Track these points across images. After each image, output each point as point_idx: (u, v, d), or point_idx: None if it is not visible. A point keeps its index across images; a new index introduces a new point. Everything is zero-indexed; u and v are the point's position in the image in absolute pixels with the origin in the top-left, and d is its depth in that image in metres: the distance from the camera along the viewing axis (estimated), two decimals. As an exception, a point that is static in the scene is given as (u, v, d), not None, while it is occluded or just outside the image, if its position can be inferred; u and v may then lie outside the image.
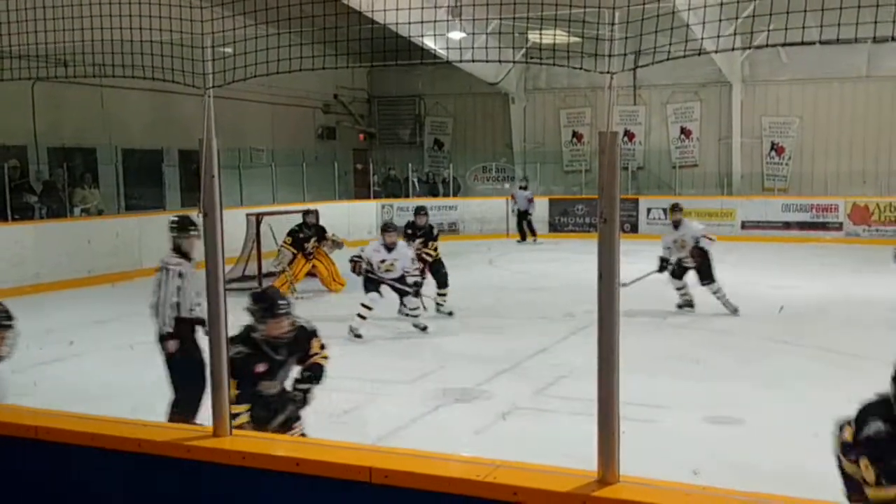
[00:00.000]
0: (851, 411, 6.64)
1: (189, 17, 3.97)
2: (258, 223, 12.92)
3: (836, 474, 5.39)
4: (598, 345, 4.07)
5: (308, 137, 23.25)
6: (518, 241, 20.13)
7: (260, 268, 12.88)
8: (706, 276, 11.01)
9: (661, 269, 11.16)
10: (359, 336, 9.44)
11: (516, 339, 9.18)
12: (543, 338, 9.21)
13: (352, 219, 17.85)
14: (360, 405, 6.73)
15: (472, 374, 7.65)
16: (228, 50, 3.92)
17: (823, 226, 19.77)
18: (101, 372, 7.94)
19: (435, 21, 18.83)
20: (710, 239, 11.14)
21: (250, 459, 3.43)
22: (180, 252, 6.42)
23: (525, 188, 20.77)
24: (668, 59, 4.40)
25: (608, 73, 3.92)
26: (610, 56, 3.81)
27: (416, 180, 23.00)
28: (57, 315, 10.88)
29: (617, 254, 4.06)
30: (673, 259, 11.07)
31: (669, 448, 5.78)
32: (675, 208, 11.48)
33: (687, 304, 11.26)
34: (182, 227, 6.45)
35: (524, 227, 20.40)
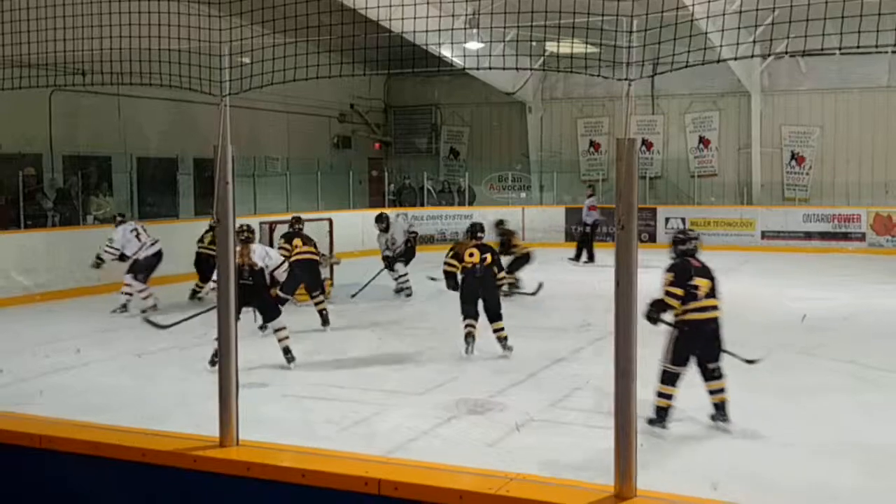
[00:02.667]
0: (874, 425, 6.51)
1: (207, 26, 3.95)
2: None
3: (860, 489, 5.25)
4: (615, 355, 3.96)
5: (323, 146, 23.25)
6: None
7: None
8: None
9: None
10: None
11: (531, 350, 9.04)
12: (559, 348, 9.07)
13: (366, 227, 17.69)
14: (369, 416, 6.62)
15: (486, 386, 7.53)
16: (245, 59, 3.89)
17: (845, 236, 19.52)
18: (108, 381, 7.88)
19: (452, 29, 18.74)
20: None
21: (256, 470, 3.35)
22: None
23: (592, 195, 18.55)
24: (686, 67, 4.30)
25: (626, 80, 3.83)
26: (628, 64, 3.72)
27: (431, 189, 22.93)
28: (65, 323, 10.85)
29: (635, 262, 3.96)
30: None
31: (688, 462, 5.65)
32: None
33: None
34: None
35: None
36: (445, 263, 9.16)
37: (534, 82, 23.70)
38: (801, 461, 5.73)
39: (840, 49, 3.51)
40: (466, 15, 18.50)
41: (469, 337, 8.69)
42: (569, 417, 6.69)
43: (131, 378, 8.02)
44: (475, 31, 19.52)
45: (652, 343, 8.86)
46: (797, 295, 13.07)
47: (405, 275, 13.40)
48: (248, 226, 9.06)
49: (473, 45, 20.23)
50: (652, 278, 14.31)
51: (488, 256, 9.11)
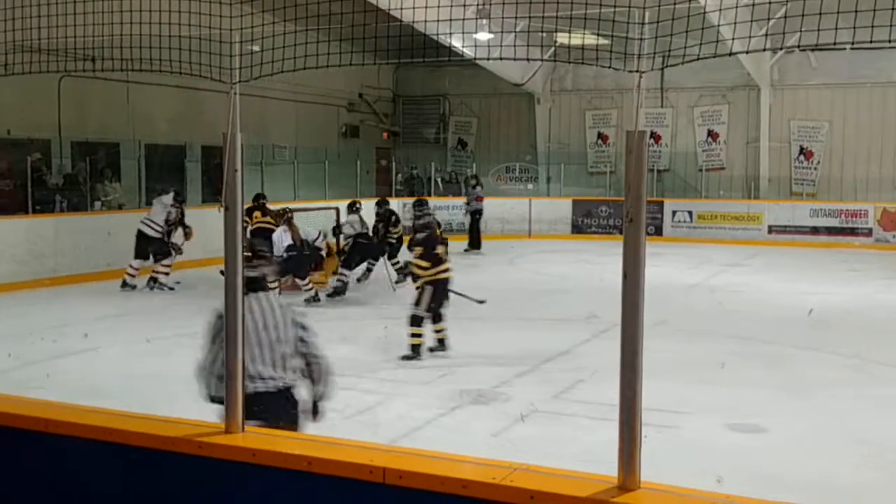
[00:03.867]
0: (879, 420, 6.50)
1: (217, 13, 3.96)
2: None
3: (865, 483, 5.25)
4: (621, 347, 3.96)
5: (331, 135, 23.25)
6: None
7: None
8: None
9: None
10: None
11: (536, 341, 9.06)
12: (564, 340, 9.08)
13: (372, 216, 17.70)
14: (374, 405, 6.64)
15: (491, 376, 7.54)
16: (255, 47, 3.90)
17: (852, 231, 19.47)
18: (115, 366, 7.92)
19: (463, 20, 18.67)
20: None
21: (261, 457, 3.36)
22: None
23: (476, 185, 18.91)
24: (697, 60, 4.29)
25: (637, 72, 3.82)
26: (639, 56, 3.72)
27: (438, 179, 22.93)
28: (74, 308, 10.90)
29: (643, 254, 3.94)
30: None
31: (692, 455, 5.66)
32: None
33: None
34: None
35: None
36: (420, 268, 8.57)
37: (543, 74, 23.63)
38: (806, 455, 5.74)
39: (853, 44, 3.49)
40: (476, 5, 18.45)
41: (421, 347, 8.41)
42: (573, 409, 6.70)
43: (138, 363, 8.05)
44: (485, 21, 19.48)
45: (656, 336, 8.86)
46: (804, 289, 13.06)
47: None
48: (286, 208, 11.36)
49: (483, 36, 20.20)
50: (660, 271, 14.36)
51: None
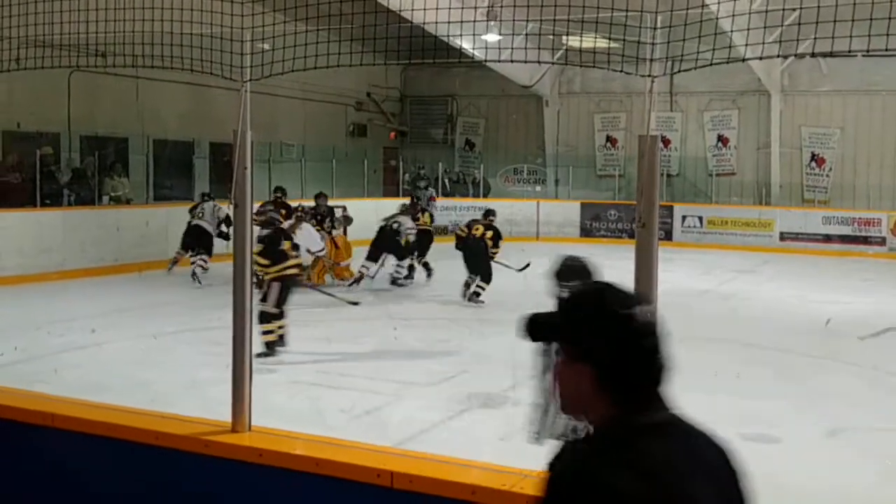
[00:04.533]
0: (888, 428, 6.42)
1: (229, 11, 3.94)
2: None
3: (879, 495, 5.18)
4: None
5: (339, 134, 23.24)
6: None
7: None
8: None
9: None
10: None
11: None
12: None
13: (379, 215, 17.72)
14: (381, 406, 6.59)
15: (500, 379, 7.45)
16: (266, 46, 3.89)
17: (865, 240, 19.31)
18: (122, 362, 7.88)
19: (474, 21, 18.72)
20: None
21: (268, 457, 3.32)
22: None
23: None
24: (709, 65, 4.24)
25: (649, 76, 3.77)
26: (651, 60, 3.67)
27: (446, 180, 22.89)
28: (81, 303, 10.87)
29: (656, 258, 3.90)
30: None
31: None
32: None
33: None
34: None
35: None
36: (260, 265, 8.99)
37: (551, 76, 23.59)
38: (820, 468, 5.67)
39: (868, 50, 3.44)
40: (485, 7, 18.44)
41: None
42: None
43: (145, 359, 8.02)
44: (493, 23, 19.44)
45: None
46: (818, 298, 12.97)
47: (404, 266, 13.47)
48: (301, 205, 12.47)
49: (491, 38, 20.16)
50: (670, 276, 14.23)
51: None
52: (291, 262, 8.55)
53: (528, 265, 11.68)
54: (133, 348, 8.49)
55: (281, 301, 8.25)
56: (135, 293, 11.70)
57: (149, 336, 8.90)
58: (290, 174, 18.99)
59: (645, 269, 4.15)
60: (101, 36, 4.15)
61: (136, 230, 13.12)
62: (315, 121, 22.06)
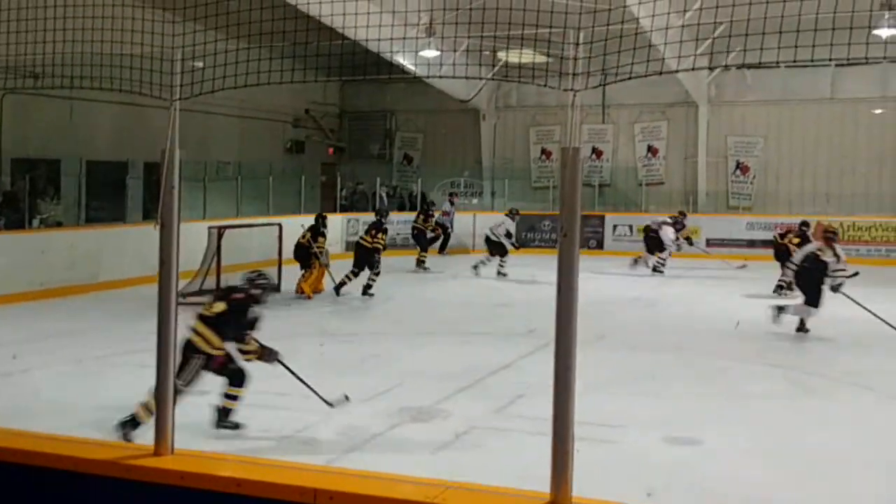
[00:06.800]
0: (812, 431, 6.67)
1: (160, 31, 3.96)
2: (220, 237, 12.77)
3: (798, 496, 5.38)
4: (554, 362, 4.02)
5: (276, 151, 23.13)
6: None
7: (219, 282, 12.75)
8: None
9: None
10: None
11: (478, 356, 9.10)
12: (506, 354, 9.14)
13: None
14: (311, 425, 6.58)
15: (431, 392, 7.55)
16: (199, 63, 3.90)
17: (787, 244, 19.92)
18: (47, 388, 7.73)
19: (417, 39, 18.89)
20: None
21: (189, 479, 3.34)
22: None
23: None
24: (629, 79, 4.40)
25: (571, 90, 3.90)
26: (574, 75, 3.80)
27: (383, 195, 22.92)
28: (4, 329, 10.60)
29: (576, 268, 4.03)
30: None
31: (626, 469, 5.74)
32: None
33: None
34: None
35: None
36: None
37: (488, 90, 23.89)
38: (743, 468, 5.84)
39: (795, 60, 3.63)
40: (424, 24, 18.61)
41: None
42: (513, 424, 6.74)
43: (69, 385, 7.89)
44: (431, 39, 19.63)
45: (594, 349, 9.02)
46: (740, 302, 13.37)
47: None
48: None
49: (429, 53, 20.33)
50: (602, 284, 14.52)
51: None
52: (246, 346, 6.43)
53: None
54: (58, 374, 8.33)
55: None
56: (62, 318, 11.45)
57: (75, 361, 8.75)
58: (226, 193, 18.82)
59: (567, 277, 4.28)
60: (35, 58, 4.13)
61: (64, 254, 12.84)
62: (252, 138, 21.93)
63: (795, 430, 6.71)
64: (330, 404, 6.63)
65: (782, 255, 13.89)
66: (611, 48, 4.11)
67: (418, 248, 18.01)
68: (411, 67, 21.86)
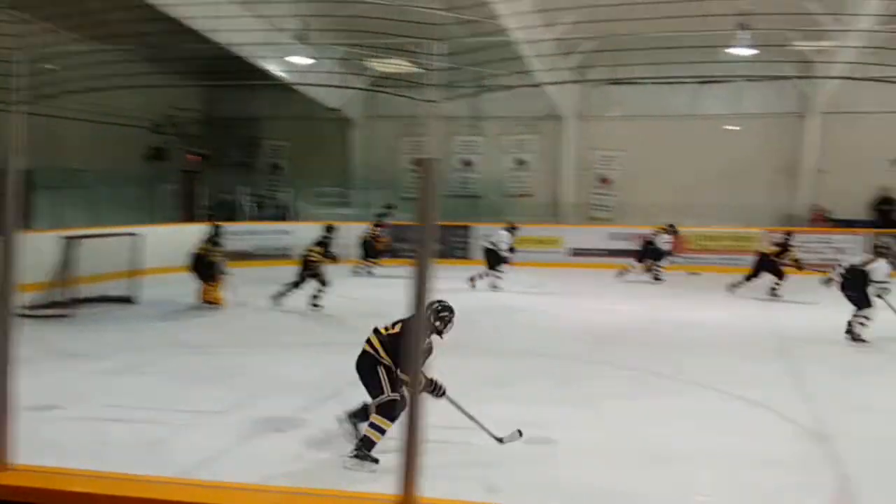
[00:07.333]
0: (654, 425, 6.91)
1: (5, 31, 3.74)
2: (71, 247, 12.18)
3: (649, 488, 5.56)
4: (408, 364, 3.98)
5: (135, 158, 22.24)
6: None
7: (69, 294, 12.18)
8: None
9: None
10: None
11: (340, 365, 8.98)
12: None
13: (179, 241, 17.11)
14: (166, 437, 6.33)
15: (292, 402, 7.41)
16: (50, 65, 3.70)
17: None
18: None
19: (287, 45, 18.69)
20: None
21: (35, 496, 3.12)
22: None
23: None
24: (486, 91, 4.50)
25: (427, 101, 3.91)
26: (432, 86, 3.81)
27: (249, 204, 22.46)
28: None
29: (430, 279, 4.05)
30: None
31: (476, 469, 5.78)
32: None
33: None
34: None
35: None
36: None
37: (358, 99, 23.85)
38: (589, 463, 6.01)
39: (673, 78, 3.74)
40: (294, 30, 18.39)
41: None
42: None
43: None
44: (301, 46, 19.44)
45: (452, 355, 9.04)
46: (601, 308, 13.81)
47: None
48: None
49: (298, 60, 20.08)
50: (468, 294, 14.57)
51: None
52: None
53: None
54: None
55: None
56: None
57: None
58: (81, 200, 17.93)
59: (420, 287, 4.28)
60: None
61: None
62: (109, 144, 20.96)
63: (642, 426, 6.95)
64: (500, 440, 6.18)
65: (766, 264, 15.32)
66: (481, 60, 4.15)
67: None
68: (280, 73, 21.62)
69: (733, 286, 15.27)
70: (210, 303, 13.07)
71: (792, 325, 12.42)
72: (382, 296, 15.19)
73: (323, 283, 13.35)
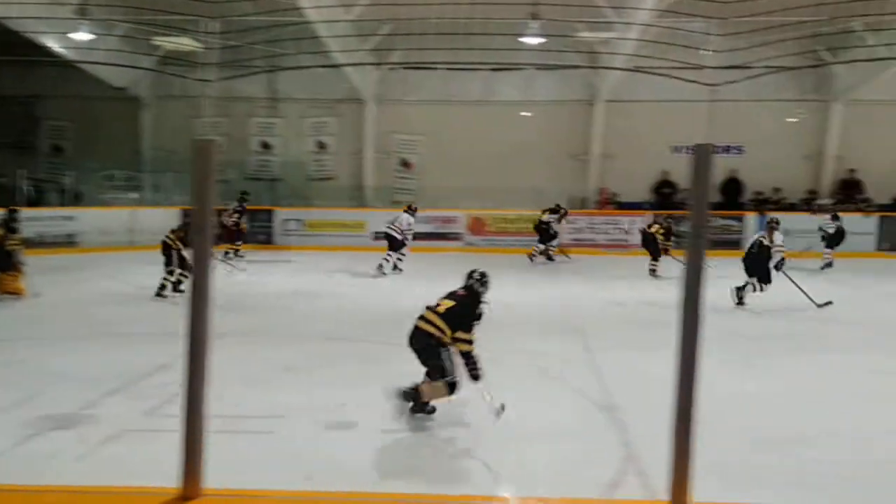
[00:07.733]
0: (470, 404, 7.07)
1: None
2: None
3: (431, 467, 5.69)
4: (188, 357, 3.87)
5: None
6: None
7: None
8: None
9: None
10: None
11: (134, 357, 8.57)
12: (164, 354, 8.65)
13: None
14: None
15: (77, 397, 6.96)
16: None
17: (446, 236, 21.29)
18: None
19: (67, 20, 17.35)
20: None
21: None
22: None
23: None
24: (268, 71, 4.38)
25: (203, 80, 3.77)
26: (206, 64, 3.66)
27: (29, 188, 20.82)
28: None
29: (210, 265, 3.96)
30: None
31: (284, 457, 5.70)
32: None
33: None
34: None
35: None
36: None
37: (148, 78, 22.72)
38: (385, 446, 6.09)
39: (477, 64, 3.76)
40: (75, 4, 17.22)
41: None
42: (166, 425, 6.36)
43: None
44: (82, 21, 18.24)
45: (251, 344, 8.90)
46: (401, 290, 13.98)
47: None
48: None
49: (81, 36, 18.78)
50: (269, 279, 14.31)
51: None
52: None
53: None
54: None
55: None
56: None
57: None
58: None
59: (201, 274, 4.17)
60: None
61: None
62: None
63: (455, 405, 7.07)
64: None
65: (649, 243, 16.43)
66: (270, 38, 4.03)
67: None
68: (60, 50, 20.17)
69: (653, 271, 16.16)
70: (10, 293, 12.18)
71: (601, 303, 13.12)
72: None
73: (186, 268, 12.62)
